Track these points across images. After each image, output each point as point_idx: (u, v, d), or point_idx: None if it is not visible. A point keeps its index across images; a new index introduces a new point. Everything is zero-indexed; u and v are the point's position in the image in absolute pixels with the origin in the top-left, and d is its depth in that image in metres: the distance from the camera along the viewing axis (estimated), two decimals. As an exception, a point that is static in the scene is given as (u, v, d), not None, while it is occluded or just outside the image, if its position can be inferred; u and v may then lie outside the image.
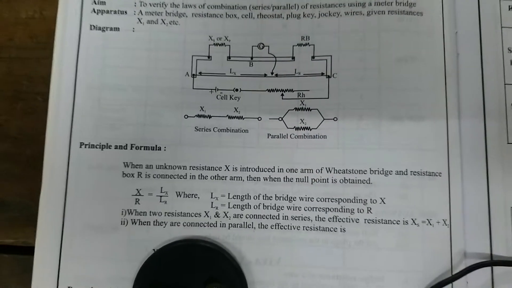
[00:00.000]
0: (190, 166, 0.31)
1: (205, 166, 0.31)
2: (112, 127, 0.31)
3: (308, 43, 0.32)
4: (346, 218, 0.30)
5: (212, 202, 0.31)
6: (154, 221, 0.31)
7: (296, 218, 0.30)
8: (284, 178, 0.31)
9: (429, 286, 0.29)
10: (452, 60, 0.32)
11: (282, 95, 0.32)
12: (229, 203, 0.31)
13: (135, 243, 0.30)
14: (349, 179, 0.31)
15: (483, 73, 0.32)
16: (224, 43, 0.33)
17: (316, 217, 0.30)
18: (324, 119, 0.31)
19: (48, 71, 0.32)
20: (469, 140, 0.31)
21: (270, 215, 0.31)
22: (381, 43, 0.32)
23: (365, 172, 0.31)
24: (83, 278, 0.30)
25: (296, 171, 0.31)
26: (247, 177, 0.31)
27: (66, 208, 0.31)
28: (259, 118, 0.32)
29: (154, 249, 0.30)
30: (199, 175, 0.31)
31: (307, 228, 0.30)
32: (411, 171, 0.30)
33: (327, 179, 0.31)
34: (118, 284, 0.30)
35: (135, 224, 0.30)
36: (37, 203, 0.30)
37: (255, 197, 0.31)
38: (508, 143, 0.31)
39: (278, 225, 0.30)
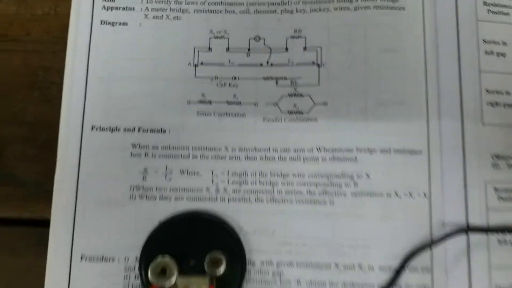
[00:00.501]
0: (192, 147, 0.36)
1: (206, 147, 0.36)
2: (120, 112, 0.36)
3: (300, 36, 0.38)
4: (335, 192, 0.35)
5: (213, 179, 0.36)
6: (160, 196, 0.35)
7: (289, 193, 0.35)
8: (278, 157, 0.36)
9: (410, 251, 0.34)
10: (432, 50, 0.37)
11: (277, 82, 0.37)
12: (228, 180, 0.36)
13: (143, 216, 0.35)
14: (337, 157, 0.36)
15: (460, 62, 0.37)
16: (223, 36, 0.38)
17: (307, 191, 0.35)
18: (315, 104, 0.36)
19: (62, 63, 0.37)
20: (447, 121, 0.36)
21: (266, 190, 0.35)
22: (367, 36, 0.37)
23: (351, 151, 0.36)
24: (95, 247, 0.34)
25: (289, 150, 0.36)
26: (245, 156, 0.36)
27: (79, 184, 0.35)
28: (256, 104, 0.37)
29: (160, 221, 0.35)
30: (201, 155, 0.36)
31: (300, 202, 0.35)
32: (394, 149, 0.35)
33: (318, 157, 0.36)
34: (127, 252, 0.34)
35: (143, 199, 0.35)
36: (52, 181, 0.35)
37: (252, 174, 0.36)
38: (482, 124, 0.36)
39: (273, 199, 0.35)
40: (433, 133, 0.35)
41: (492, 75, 0.37)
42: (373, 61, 0.36)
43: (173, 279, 0.31)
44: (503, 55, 0.37)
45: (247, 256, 0.34)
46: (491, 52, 0.37)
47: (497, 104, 0.36)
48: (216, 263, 0.32)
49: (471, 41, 0.37)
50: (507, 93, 0.36)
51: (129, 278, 0.34)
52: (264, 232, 0.34)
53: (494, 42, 0.37)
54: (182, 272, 0.32)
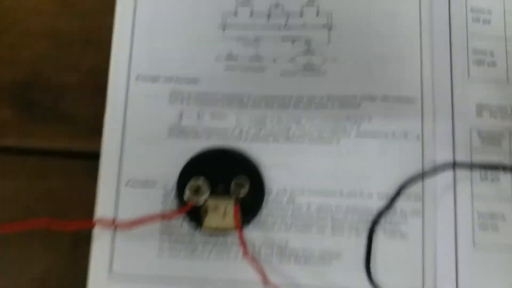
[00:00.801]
0: (220, 95, 0.43)
1: (232, 95, 0.43)
2: (160, 65, 0.43)
3: (313, 3, 0.44)
4: (341, 133, 0.42)
5: (237, 122, 0.42)
6: (193, 135, 0.42)
7: (302, 135, 0.42)
8: (293, 104, 0.43)
9: (405, 181, 0.40)
10: (427, 16, 0.43)
11: (293, 42, 0.44)
12: (250, 123, 0.42)
13: (179, 150, 0.41)
14: (343, 104, 0.42)
15: (450, 27, 0.43)
16: (247, 3, 0.45)
17: (317, 132, 0.42)
18: (325, 60, 0.43)
19: (112, 22, 0.44)
20: (439, 74, 0.42)
21: (282, 132, 0.42)
22: (370, 2, 0.44)
23: (355, 98, 0.42)
24: (139, 173, 0.41)
25: (303, 99, 0.43)
26: (264, 103, 0.43)
27: (125, 124, 0.42)
28: (275, 60, 0.43)
29: (194, 154, 0.41)
30: (227, 102, 0.43)
31: (311, 141, 0.42)
32: (392, 97, 0.42)
33: (327, 104, 0.42)
34: (165, 179, 0.41)
35: (179, 137, 0.42)
36: (103, 120, 0.42)
37: (270, 120, 0.42)
38: (468, 79, 0.43)
39: (288, 139, 0.42)
40: (426, 84, 0.42)
41: (478, 38, 0.43)
42: (375, 24, 0.43)
43: (205, 197, 0.38)
44: (488, 21, 0.43)
45: (265, 185, 0.40)
46: (478, 20, 0.43)
47: (481, 62, 0.43)
48: (240, 186, 0.39)
49: (460, 9, 0.44)
50: (491, 54, 0.43)
51: (166, 201, 0.41)
52: (280, 167, 0.41)
53: (481, 11, 0.44)
54: (213, 193, 0.39)
